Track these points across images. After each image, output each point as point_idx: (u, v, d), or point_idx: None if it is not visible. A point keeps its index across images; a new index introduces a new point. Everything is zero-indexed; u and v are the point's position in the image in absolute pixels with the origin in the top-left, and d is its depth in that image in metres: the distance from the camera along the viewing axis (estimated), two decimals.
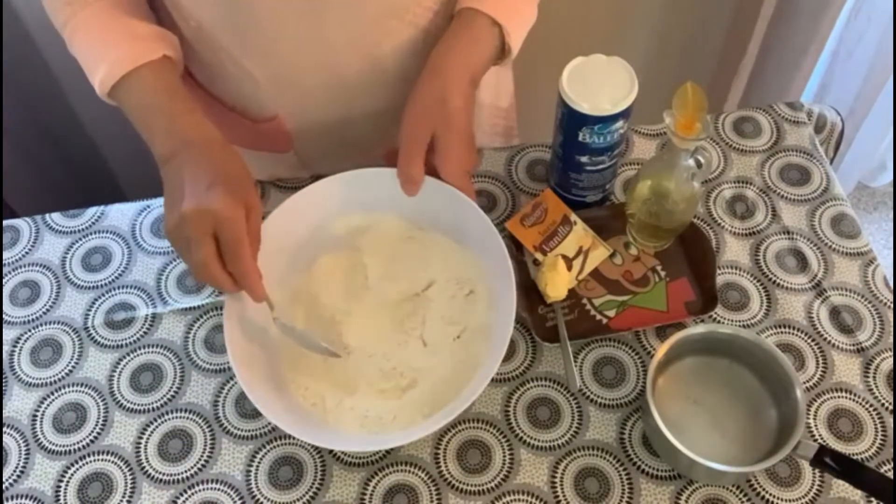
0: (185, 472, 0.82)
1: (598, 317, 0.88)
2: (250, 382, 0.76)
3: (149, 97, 0.80)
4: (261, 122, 0.94)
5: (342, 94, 0.91)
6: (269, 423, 0.83)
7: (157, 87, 0.80)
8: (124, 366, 0.87)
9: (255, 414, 0.84)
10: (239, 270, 0.74)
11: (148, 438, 0.83)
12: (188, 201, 0.73)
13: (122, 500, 0.80)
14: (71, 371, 0.87)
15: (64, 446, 0.83)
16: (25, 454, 0.83)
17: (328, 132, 0.96)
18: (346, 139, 0.97)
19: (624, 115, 0.82)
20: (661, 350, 0.79)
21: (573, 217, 0.91)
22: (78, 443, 0.83)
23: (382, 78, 0.90)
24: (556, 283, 0.87)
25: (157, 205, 0.97)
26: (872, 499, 0.78)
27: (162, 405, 0.85)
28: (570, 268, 0.89)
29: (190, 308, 0.90)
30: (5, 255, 0.94)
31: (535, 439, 0.82)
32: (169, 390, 0.86)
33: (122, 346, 0.88)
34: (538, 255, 0.90)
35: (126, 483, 0.81)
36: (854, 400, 0.84)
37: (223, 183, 0.73)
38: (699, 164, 0.81)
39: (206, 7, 0.81)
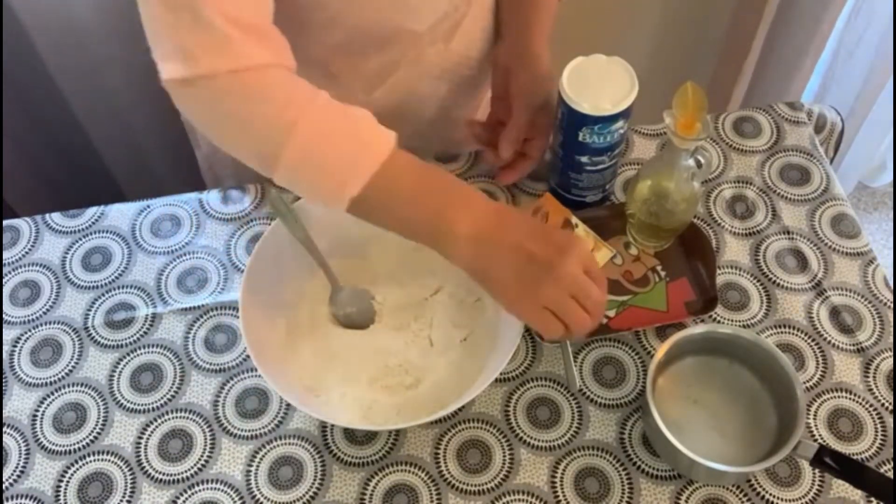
0: (185, 472, 0.82)
1: None
2: (265, 365, 0.77)
3: (412, 180, 0.70)
4: None
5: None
6: (269, 423, 0.83)
7: (414, 169, 0.71)
8: (124, 366, 0.87)
9: (255, 414, 0.84)
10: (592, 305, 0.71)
11: (148, 438, 0.83)
12: (555, 255, 0.68)
13: (122, 500, 0.80)
14: (71, 371, 0.87)
15: (64, 446, 0.83)
16: (25, 454, 0.83)
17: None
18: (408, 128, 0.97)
19: (624, 115, 0.82)
20: (661, 350, 0.79)
21: (574, 220, 0.91)
22: (78, 443, 0.83)
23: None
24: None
25: (157, 205, 0.97)
26: (872, 499, 0.78)
27: (162, 405, 0.85)
28: None
29: (190, 308, 0.90)
30: (5, 255, 0.94)
31: (535, 439, 0.82)
32: (169, 390, 0.86)
33: (122, 346, 0.88)
34: None
35: (126, 483, 0.81)
36: (854, 400, 0.84)
37: (562, 254, 0.68)
38: (699, 164, 0.82)
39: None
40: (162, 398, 0.85)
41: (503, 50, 0.92)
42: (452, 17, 0.89)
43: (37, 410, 0.85)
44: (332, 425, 0.83)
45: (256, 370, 0.82)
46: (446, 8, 0.87)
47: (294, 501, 0.80)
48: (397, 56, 0.89)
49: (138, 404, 0.85)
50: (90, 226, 0.96)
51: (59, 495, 0.81)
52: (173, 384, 0.86)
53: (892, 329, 0.87)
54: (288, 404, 0.84)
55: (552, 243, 0.67)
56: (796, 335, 0.87)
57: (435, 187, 0.70)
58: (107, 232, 0.96)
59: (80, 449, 0.83)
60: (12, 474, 0.82)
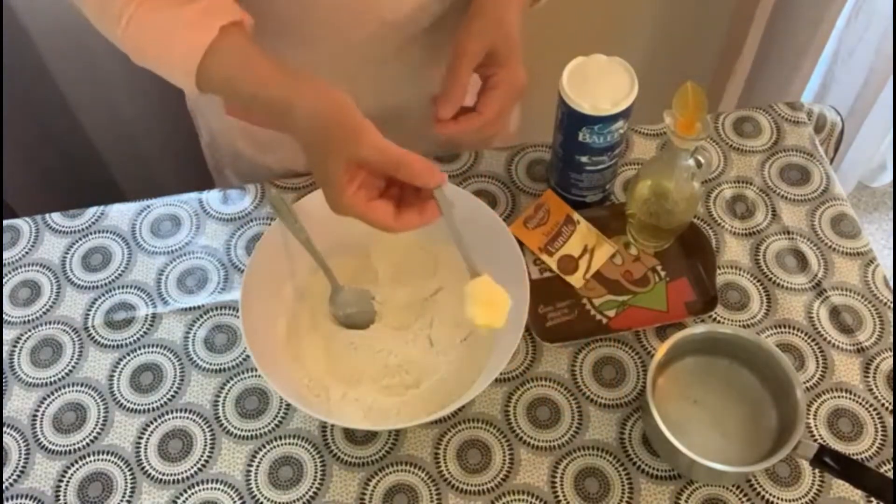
0: (185, 472, 0.82)
1: (598, 317, 0.88)
2: (266, 366, 0.77)
3: (235, 69, 0.73)
4: None
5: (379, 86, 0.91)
6: (269, 423, 0.83)
7: (241, 53, 0.73)
8: (124, 366, 0.87)
9: (255, 414, 0.84)
10: (405, 173, 0.69)
11: (148, 438, 0.83)
12: (323, 191, 0.70)
13: (122, 500, 0.80)
14: (71, 371, 0.87)
15: (64, 446, 0.83)
16: (25, 454, 0.83)
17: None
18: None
19: (624, 115, 0.82)
20: (661, 350, 0.79)
21: (576, 216, 0.91)
22: (78, 443, 0.83)
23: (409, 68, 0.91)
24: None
25: (157, 205, 0.97)
26: (872, 499, 0.78)
27: (162, 405, 0.85)
28: (576, 267, 0.90)
29: (190, 308, 0.90)
30: (5, 255, 0.94)
31: (535, 439, 0.82)
32: (169, 390, 0.86)
33: (122, 346, 0.88)
34: (543, 257, 0.90)
35: (126, 483, 0.81)
36: (854, 400, 0.84)
37: (330, 156, 0.68)
38: (699, 164, 0.82)
39: None
40: (162, 398, 0.85)
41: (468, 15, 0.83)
42: (430, 9, 0.86)
43: (37, 410, 0.85)
44: (332, 425, 0.83)
45: (256, 370, 0.82)
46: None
47: (294, 501, 0.80)
48: (375, 48, 0.88)
49: (138, 404, 0.85)
50: (90, 226, 0.96)
51: (59, 495, 0.81)
52: (173, 384, 0.86)
53: (892, 329, 0.87)
54: (288, 404, 0.84)
55: (325, 190, 0.69)
56: (796, 335, 0.87)
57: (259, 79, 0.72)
58: (107, 232, 0.96)
59: (80, 449, 0.83)
60: (12, 474, 0.82)
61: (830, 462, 0.74)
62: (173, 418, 0.84)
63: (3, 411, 0.85)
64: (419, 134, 0.87)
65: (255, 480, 0.81)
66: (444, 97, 0.79)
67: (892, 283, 0.90)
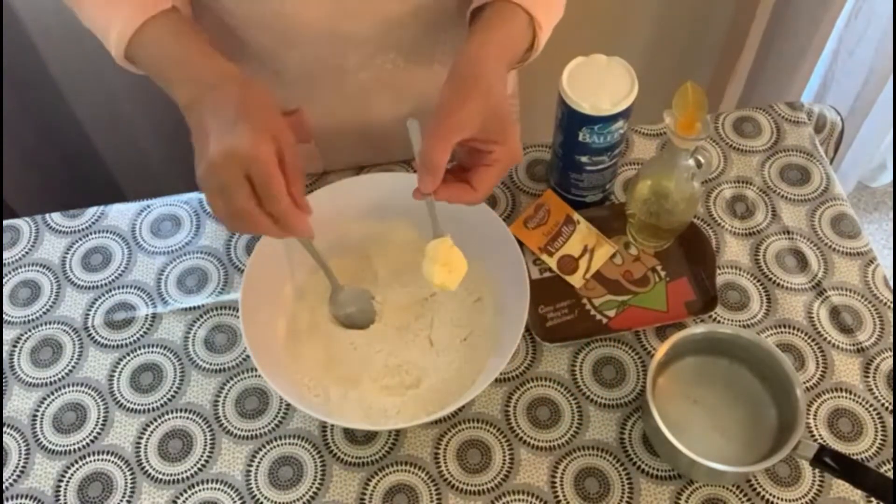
0: (185, 472, 0.82)
1: (598, 317, 0.88)
2: (265, 364, 0.77)
3: (163, 49, 0.74)
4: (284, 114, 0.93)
5: (359, 94, 0.90)
6: (269, 423, 0.83)
7: (169, 37, 0.74)
8: (124, 366, 0.87)
9: (255, 414, 0.84)
10: (277, 210, 0.67)
11: (148, 438, 0.83)
12: (214, 146, 0.66)
13: (122, 500, 0.80)
14: (71, 371, 0.87)
15: (64, 446, 0.83)
16: (25, 454, 0.83)
17: (349, 131, 0.94)
18: (366, 139, 0.96)
19: (624, 115, 0.82)
20: (661, 350, 0.79)
21: (576, 216, 0.91)
22: (78, 443, 0.83)
23: (402, 79, 0.90)
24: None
25: (157, 205, 0.97)
26: (872, 499, 0.78)
27: (162, 405, 0.85)
28: (576, 267, 0.90)
29: (190, 308, 0.90)
30: (5, 255, 0.94)
31: (535, 439, 0.82)
32: (169, 390, 0.86)
33: (122, 346, 0.88)
34: (543, 257, 0.90)
35: (126, 483, 0.81)
36: (854, 400, 0.84)
37: (246, 119, 0.67)
38: (699, 164, 0.81)
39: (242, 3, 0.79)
40: (162, 398, 0.85)
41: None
42: (398, 26, 0.83)
43: (37, 410, 0.85)
44: (332, 425, 0.83)
45: (256, 370, 0.82)
46: (389, 14, 0.81)
47: (294, 501, 0.80)
48: (338, 59, 0.86)
49: (138, 404, 0.85)
50: (90, 226, 0.96)
51: (59, 495, 0.81)
52: (173, 384, 0.86)
53: (892, 329, 0.87)
54: (288, 404, 0.84)
55: (220, 139, 0.67)
56: (796, 335, 0.87)
57: (168, 62, 0.75)
58: (107, 232, 0.96)
59: (80, 449, 0.83)
60: (12, 474, 0.82)
61: (830, 462, 0.74)
62: (173, 418, 0.84)
63: (3, 411, 0.85)
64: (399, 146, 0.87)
65: (255, 480, 0.81)
66: (425, 171, 0.70)
67: (892, 283, 0.90)
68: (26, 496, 0.81)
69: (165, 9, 0.75)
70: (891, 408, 0.83)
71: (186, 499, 0.80)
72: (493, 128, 0.71)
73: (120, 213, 0.97)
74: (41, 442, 0.83)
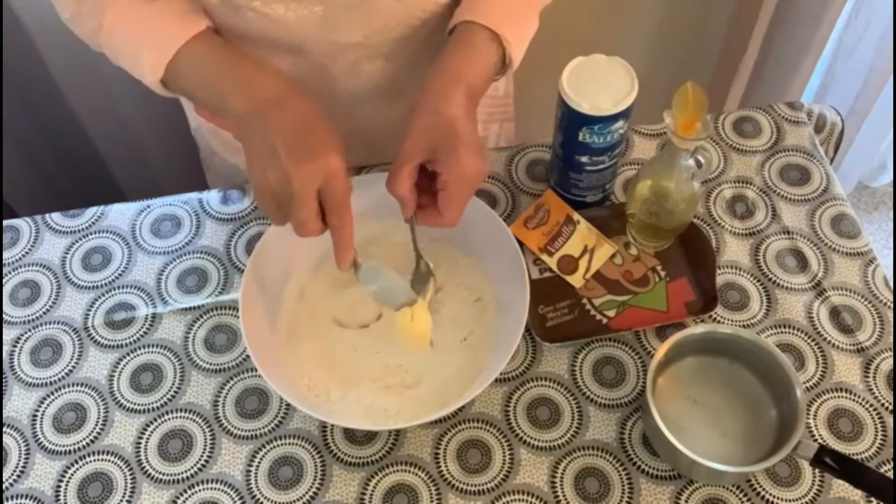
0: (185, 472, 0.82)
1: (598, 317, 0.88)
2: (266, 367, 0.77)
3: (209, 66, 0.75)
4: None
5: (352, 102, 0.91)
6: (269, 423, 0.83)
7: (215, 54, 0.75)
8: (124, 366, 0.87)
9: (255, 414, 0.84)
10: (341, 223, 0.71)
11: (148, 438, 0.83)
12: (288, 158, 0.67)
13: (122, 500, 0.80)
14: (71, 371, 0.87)
15: (64, 446, 0.83)
16: (25, 454, 0.83)
17: (342, 134, 0.94)
18: (359, 141, 0.96)
19: (624, 115, 0.82)
20: (661, 350, 0.79)
21: (576, 216, 0.91)
22: (78, 443, 0.83)
23: (395, 86, 0.90)
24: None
25: (157, 205, 0.97)
26: (872, 499, 0.78)
27: (162, 405, 0.85)
28: (576, 267, 0.90)
29: (190, 308, 0.90)
30: (5, 255, 0.94)
31: (535, 439, 0.82)
32: (169, 390, 0.86)
33: (122, 346, 0.88)
34: (543, 257, 0.90)
35: (126, 483, 0.81)
36: (854, 400, 0.84)
37: (316, 134, 0.69)
38: (699, 164, 0.81)
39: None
40: (162, 398, 0.85)
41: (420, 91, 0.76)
42: (387, 34, 0.83)
43: (37, 410, 0.85)
44: (332, 425, 0.83)
45: (256, 370, 0.82)
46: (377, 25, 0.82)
47: (294, 501, 0.80)
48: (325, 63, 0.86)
49: (138, 404, 0.85)
50: (90, 226, 0.96)
51: (59, 495, 0.81)
52: (173, 384, 0.86)
53: (892, 329, 0.87)
54: (288, 404, 0.84)
55: (299, 151, 0.68)
56: (796, 335, 0.87)
57: (219, 77, 0.75)
58: (107, 232, 0.96)
59: (80, 449, 0.83)
60: (12, 474, 0.82)
61: (830, 462, 0.74)
62: (173, 418, 0.84)
63: (3, 411, 0.85)
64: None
65: (255, 480, 0.81)
66: (398, 199, 0.74)
67: (892, 283, 0.90)
68: (26, 496, 0.81)
69: (202, 30, 0.76)
70: (891, 408, 0.83)
71: (186, 499, 0.80)
72: (442, 148, 0.72)
73: (120, 213, 0.97)
74: (41, 442, 0.83)
